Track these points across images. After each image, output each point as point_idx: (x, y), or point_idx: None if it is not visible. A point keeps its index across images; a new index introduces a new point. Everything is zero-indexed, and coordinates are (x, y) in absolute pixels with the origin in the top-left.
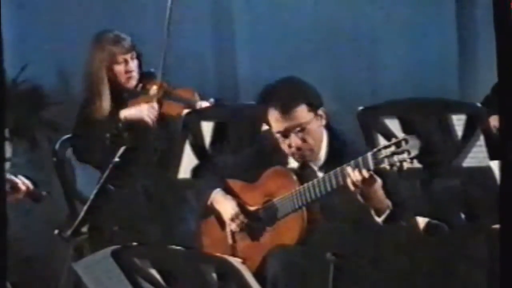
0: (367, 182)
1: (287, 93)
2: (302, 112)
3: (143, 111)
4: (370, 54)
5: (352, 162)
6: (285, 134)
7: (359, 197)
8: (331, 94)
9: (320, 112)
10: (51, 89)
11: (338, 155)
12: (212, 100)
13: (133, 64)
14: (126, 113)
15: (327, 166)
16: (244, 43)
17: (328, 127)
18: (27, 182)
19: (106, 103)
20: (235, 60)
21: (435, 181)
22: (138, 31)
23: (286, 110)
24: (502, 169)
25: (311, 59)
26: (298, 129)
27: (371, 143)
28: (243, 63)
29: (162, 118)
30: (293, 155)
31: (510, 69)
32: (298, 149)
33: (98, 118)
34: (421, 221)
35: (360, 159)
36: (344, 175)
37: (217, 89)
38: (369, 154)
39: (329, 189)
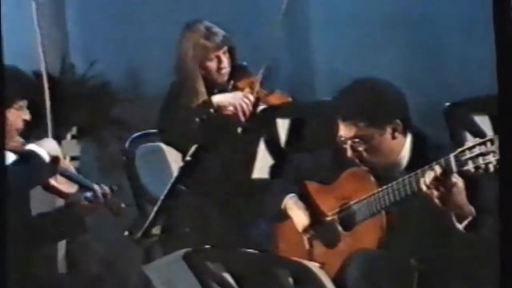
0: (444, 185)
1: (350, 103)
2: (361, 128)
3: (236, 98)
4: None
5: (433, 164)
6: (343, 141)
7: (436, 201)
8: (411, 88)
9: (390, 127)
10: (120, 86)
11: (422, 158)
12: None
13: (225, 60)
14: (218, 98)
15: (409, 169)
16: (319, 34)
17: (411, 130)
18: (108, 191)
19: (201, 98)
20: (311, 53)
21: None
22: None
23: (344, 119)
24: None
25: (385, 49)
26: (356, 140)
27: (458, 142)
28: (319, 56)
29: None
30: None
31: (510, 69)
32: (359, 157)
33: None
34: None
35: (442, 161)
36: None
37: (292, 82)
38: (451, 156)
39: (409, 192)
